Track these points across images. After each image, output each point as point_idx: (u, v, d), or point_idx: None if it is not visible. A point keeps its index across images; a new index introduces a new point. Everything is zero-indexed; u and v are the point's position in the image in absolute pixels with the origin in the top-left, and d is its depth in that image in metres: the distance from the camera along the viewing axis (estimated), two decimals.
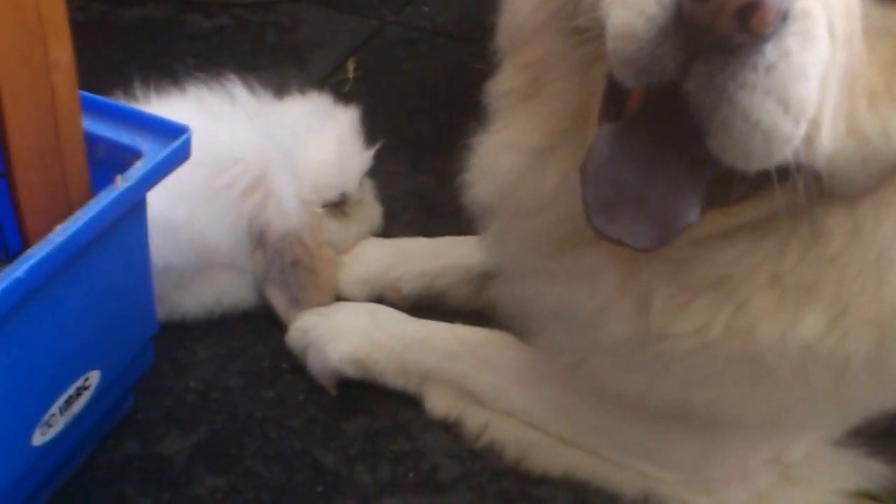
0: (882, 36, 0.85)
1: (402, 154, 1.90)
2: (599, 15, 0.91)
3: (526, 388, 1.36)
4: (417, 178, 1.87)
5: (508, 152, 1.14)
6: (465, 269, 1.57)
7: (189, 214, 1.48)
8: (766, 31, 0.77)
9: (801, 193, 0.88)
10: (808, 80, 0.80)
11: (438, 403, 1.42)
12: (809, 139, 0.84)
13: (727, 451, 1.24)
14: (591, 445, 1.33)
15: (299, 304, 1.53)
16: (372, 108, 1.83)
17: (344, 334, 1.45)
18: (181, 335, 1.56)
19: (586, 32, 0.95)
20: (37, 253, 1.04)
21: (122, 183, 1.16)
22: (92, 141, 1.22)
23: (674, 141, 0.89)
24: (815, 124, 0.84)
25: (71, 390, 1.24)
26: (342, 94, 2.03)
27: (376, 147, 1.65)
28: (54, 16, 1.05)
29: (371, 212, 1.68)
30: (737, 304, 1.01)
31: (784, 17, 0.78)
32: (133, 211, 1.23)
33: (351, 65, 2.17)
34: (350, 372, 1.44)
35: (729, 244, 0.99)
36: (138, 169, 1.19)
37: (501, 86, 1.17)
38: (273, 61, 2.17)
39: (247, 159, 1.50)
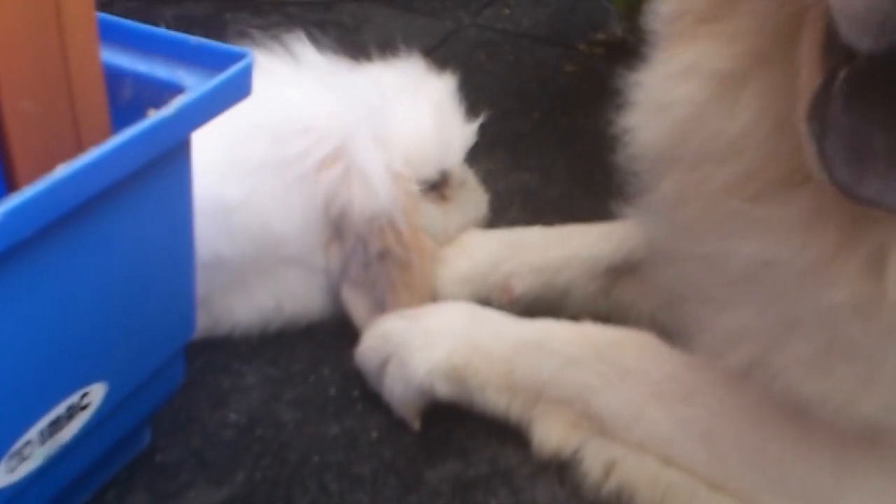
0: None
1: (500, 152, 1.66)
2: None
3: (669, 408, 1.05)
4: (519, 175, 1.61)
5: (688, 80, 0.90)
6: (593, 261, 1.29)
7: (247, 193, 1.17)
8: None
9: None
10: None
11: (552, 432, 1.08)
12: None
13: None
14: (752, 489, 1.00)
15: (385, 308, 1.21)
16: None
17: (436, 338, 1.14)
18: (225, 352, 1.24)
19: None
20: (20, 197, 0.72)
21: (153, 115, 0.85)
22: (116, 75, 0.92)
23: None
24: None
25: (60, 409, 0.89)
26: None
27: (481, 119, 1.36)
28: None
29: (476, 197, 1.38)
30: None
31: None
32: (170, 158, 0.90)
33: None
34: (441, 388, 1.12)
35: None
36: (179, 101, 0.87)
37: (676, 4, 0.94)
38: None
39: (322, 127, 1.20)
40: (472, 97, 1.81)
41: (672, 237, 1.01)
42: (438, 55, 1.94)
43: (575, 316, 1.25)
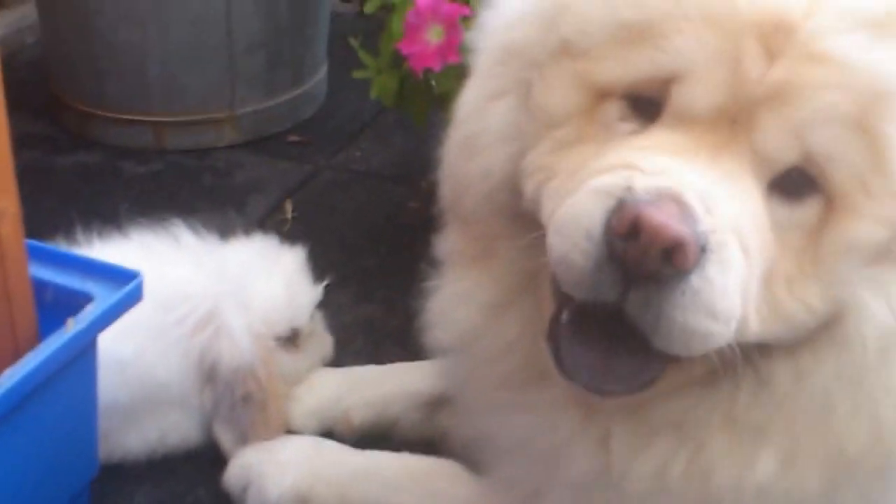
0: (787, 229, 0.97)
1: (349, 287, 1.96)
2: (541, 214, 1.02)
3: None
4: (366, 307, 1.92)
5: (465, 305, 1.19)
6: (417, 395, 1.59)
7: (137, 351, 1.48)
8: (689, 266, 0.89)
9: (739, 357, 0.98)
10: (731, 295, 0.92)
11: None
12: (740, 328, 0.95)
13: None
14: None
15: (248, 441, 1.52)
16: (314, 246, 1.86)
17: (286, 468, 1.44)
18: (121, 477, 1.53)
19: (531, 217, 1.05)
20: None
21: (72, 326, 1.18)
22: (40, 286, 1.25)
23: (626, 329, 0.96)
24: (743, 318, 0.95)
25: None
26: (282, 234, 2.04)
27: (325, 282, 1.69)
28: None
29: (322, 343, 1.71)
30: (694, 447, 1.06)
31: (703, 250, 0.89)
32: (83, 354, 1.24)
33: (289, 207, 2.24)
34: None
35: (685, 391, 1.05)
36: (89, 312, 1.21)
37: (451, 245, 1.24)
38: (212, 204, 2.23)
39: (195, 296, 1.52)
40: (326, 238, 2.13)
41: (465, 400, 1.32)
42: (299, 196, 2.28)
43: (407, 439, 1.57)
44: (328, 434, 1.59)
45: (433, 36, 1.66)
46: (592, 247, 0.92)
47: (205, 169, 2.37)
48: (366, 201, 2.26)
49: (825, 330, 0.99)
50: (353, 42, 1.94)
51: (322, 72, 2.63)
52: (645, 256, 0.89)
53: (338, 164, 2.43)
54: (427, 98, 1.84)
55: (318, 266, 1.75)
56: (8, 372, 1.11)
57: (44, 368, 1.14)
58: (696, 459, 1.05)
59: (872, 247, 0.96)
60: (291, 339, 1.62)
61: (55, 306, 1.24)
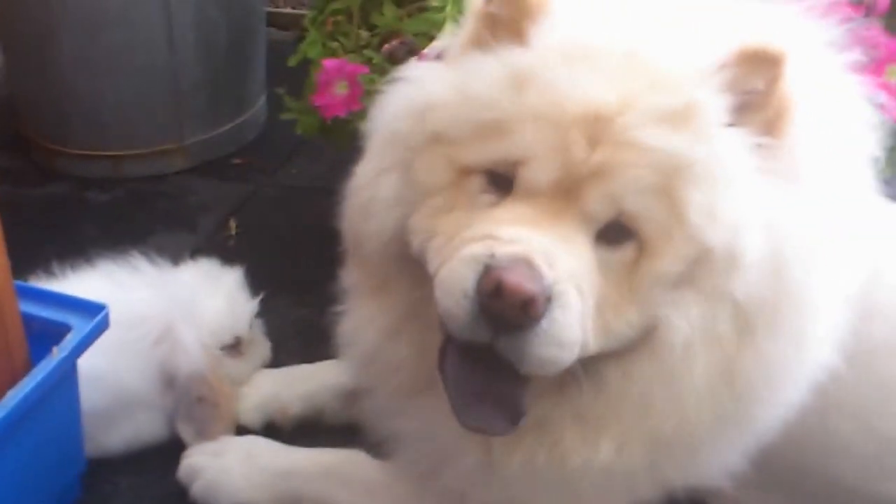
0: (611, 267, 1.22)
1: (285, 292, 2.22)
2: (427, 267, 1.26)
3: (380, 499, 1.64)
4: (299, 311, 2.19)
5: (365, 329, 1.45)
6: (339, 388, 1.88)
7: (110, 365, 1.76)
8: (539, 313, 1.15)
9: (580, 369, 1.24)
10: (573, 328, 1.17)
11: None
12: (582, 349, 1.21)
13: None
14: None
15: (205, 434, 1.82)
16: (255, 258, 2.17)
17: (227, 483, 1.72)
18: (105, 469, 1.81)
19: (417, 261, 1.29)
20: None
21: (57, 353, 1.49)
22: (29, 320, 1.54)
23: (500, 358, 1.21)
24: (584, 342, 1.20)
25: None
26: (228, 249, 2.38)
27: (260, 297, 2.00)
28: None
29: (261, 348, 2.02)
30: (553, 441, 1.33)
31: (549, 299, 1.15)
32: (68, 374, 1.55)
33: (233, 224, 2.52)
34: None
35: (543, 396, 1.31)
36: (70, 340, 1.51)
37: (352, 278, 1.50)
38: (166, 227, 2.50)
39: (153, 316, 1.82)
40: (266, 250, 2.36)
41: (372, 406, 1.58)
42: (242, 214, 2.55)
43: (334, 427, 1.87)
44: (270, 424, 1.90)
45: (340, 89, 1.98)
46: (468, 303, 1.17)
47: (159, 194, 2.64)
48: (300, 213, 2.51)
49: (643, 341, 1.24)
50: (279, 91, 2.24)
51: (261, 100, 2.91)
52: (507, 309, 1.14)
53: (276, 181, 2.70)
54: (345, 133, 2.06)
55: (259, 276, 2.03)
56: (10, 393, 1.39)
57: (38, 389, 1.42)
58: (554, 449, 1.33)
59: (673, 277, 1.20)
60: (235, 347, 1.92)
61: (41, 337, 1.52)
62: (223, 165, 2.78)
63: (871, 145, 1.35)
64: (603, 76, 1.21)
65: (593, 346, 1.22)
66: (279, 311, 2.17)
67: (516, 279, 1.14)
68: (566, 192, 1.21)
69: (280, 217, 2.56)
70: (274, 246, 2.42)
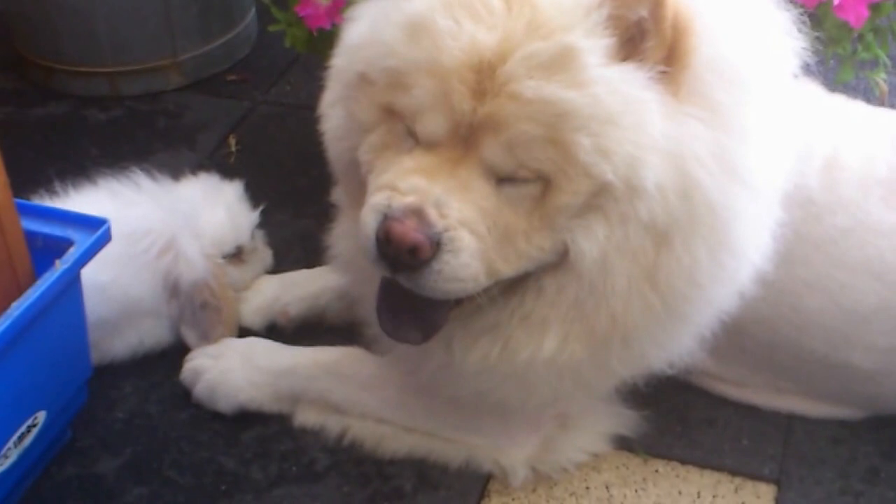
0: (519, 200, 1.32)
1: (286, 206, 2.29)
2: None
3: (374, 393, 1.75)
4: (300, 223, 2.25)
5: (346, 239, 1.63)
6: (340, 289, 1.94)
7: (114, 276, 1.84)
8: (426, 257, 1.30)
9: (505, 285, 1.41)
10: (467, 266, 1.31)
11: (308, 417, 1.79)
12: (492, 274, 1.35)
13: (519, 420, 1.70)
14: (426, 429, 1.74)
15: (208, 338, 1.90)
16: (256, 173, 2.23)
17: (228, 383, 1.81)
18: (111, 375, 1.90)
19: None
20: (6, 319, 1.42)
21: (60, 266, 1.53)
22: (32, 236, 1.58)
23: None
24: (491, 269, 1.34)
25: (23, 428, 1.57)
26: (228, 166, 2.43)
27: (261, 208, 2.05)
28: None
29: (263, 256, 2.09)
30: (504, 340, 1.48)
31: (438, 244, 1.29)
32: (70, 286, 1.59)
33: (232, 141, 2.55)
34: (236, 412, 1.81)
35: (494, 303, 1.44)
36: (72, 253, 1.56)
37: (338, 194, 1.67)
38: (166, 144, 2.54)
39: (156, 229, 1.88)
40: (266, 165, 2.41)
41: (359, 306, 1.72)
42: (241, 130, 2.59)
43: (335, 327, 1.94)
44: (272, 326, 1.97)
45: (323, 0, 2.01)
46: (371, 245, 1.34)
47: (158, 112, 2.67)
48: (297, 131, 2.54)
49: (564, 259, 1.37)
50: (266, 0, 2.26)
51: (251, 13, 2.91)
52: (398, 254, 1.31)
53: (272, 98, 2.73)
54: (331, 46, 2.15)
55: (260, 189, 2.10)
56: (15, 304, 1.44)
57: (42, 299, 1.47)
58: (506, 347, 1.48)
59: (575, 208, 1.31)
60: (237, 256, 1.99)
61: (45, 252, 1.57)
62: (218, 82, 2.79)
63: (791, 42, 1.42)
64: (483, 23, 1.26)
65: (506, 269, 1.36)
66: (280, 223, 2.23)
67: (402, 229, 1.30)
68: (464, 141, 1.31)
69: (278, 134, 2.59)
70: (273, 162, 2.46)
